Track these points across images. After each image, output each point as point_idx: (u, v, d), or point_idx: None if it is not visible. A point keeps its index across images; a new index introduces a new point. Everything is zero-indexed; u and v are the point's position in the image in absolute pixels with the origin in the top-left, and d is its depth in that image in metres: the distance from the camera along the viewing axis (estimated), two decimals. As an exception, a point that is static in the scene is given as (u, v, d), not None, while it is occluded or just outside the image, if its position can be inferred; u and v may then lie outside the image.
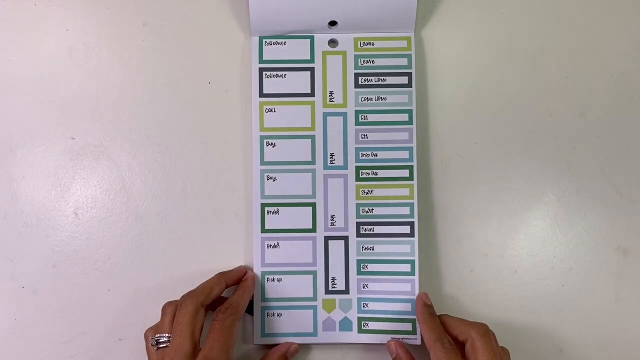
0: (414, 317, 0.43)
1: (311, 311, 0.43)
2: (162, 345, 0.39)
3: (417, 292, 0.43)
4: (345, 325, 0.43)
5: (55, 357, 0.44)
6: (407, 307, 0.43)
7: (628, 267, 0.46)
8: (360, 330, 0.43)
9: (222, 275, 0.42)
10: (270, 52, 0.45)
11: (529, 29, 0.47)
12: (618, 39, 0.47)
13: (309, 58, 0.45)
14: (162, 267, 0.45)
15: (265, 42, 0.45)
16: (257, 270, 0.44)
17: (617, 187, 0.46)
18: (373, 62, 0.45)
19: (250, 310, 0.43)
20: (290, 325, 0.43)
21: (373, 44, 0.45)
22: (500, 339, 0.40)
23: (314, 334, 0.43)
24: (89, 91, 0.46)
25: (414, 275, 0.43)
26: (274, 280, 0.44)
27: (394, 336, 0.43)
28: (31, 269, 0.45)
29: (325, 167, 0.44)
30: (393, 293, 0.43)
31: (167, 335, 0.39)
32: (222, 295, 0.42)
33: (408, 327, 0.43)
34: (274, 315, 0.43)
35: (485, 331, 0.39)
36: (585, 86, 0.47)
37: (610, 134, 0.46)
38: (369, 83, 0.45)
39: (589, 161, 0.46)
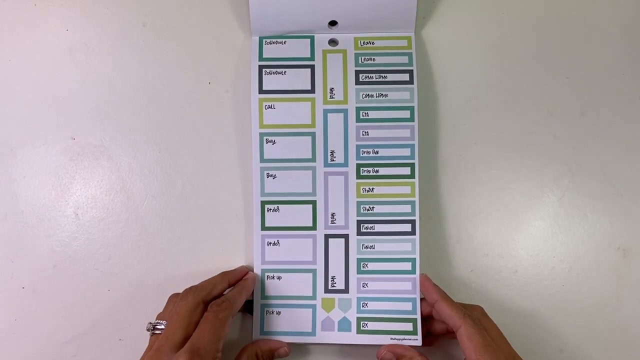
0: (415, 316, 0.43)
1: (310, 310, 0.43)
2: (157, 332, 0.39)
3: (418, 290, 0.43)
4: (344, 325, 0.43)
5: (55, 357, 0.44)
6: (408, 306, 0.43)
7: (628, 267, 0.46)
8: (359, 331, 0.43)
9: (225, 274, 0.42)
10: (270, 51, 0.45)
11: (529, 29, 0.47)
12: (618, 39, 0.47)
13: (309, 56, 0.45)
14: (162, 267, 0.45)
15: (265, 41, 0.45)
16: (257, 267, 0.44)
17: (617, 187, 0.46)
18: (373, 59, 0.45)
19: (250, 310, 0.43)
20: (289, 323, 0.43)
21: (373, 43, 0.45)
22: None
23: (313, 333, 0.43)
24: (89, 91, 0.46)
25: (415, 273, 0.43)
26: (273, 277, 0.43)
27: (393, 336, 0.43)
28: (31, 269, 0.45)
29: (326, 165, 0.44)
30: (393, 292, 0.43)
31: (165, 322, 0.39)
32: (223, 293, 0.42)
33: (408, 326, 0.43)
34: (273, 312, 0.43)
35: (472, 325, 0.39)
36: (585, 86, 0.47)
37: (610, 134, 0.46)
38: (369, 80, 0.45)
39: (589, 161, 0.46)
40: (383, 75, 0.45)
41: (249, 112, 0.45)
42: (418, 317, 0.43)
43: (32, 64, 0.46)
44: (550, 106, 0.47)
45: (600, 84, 0.47)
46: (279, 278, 0.43)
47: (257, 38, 0.45)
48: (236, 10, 0.47)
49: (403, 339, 0.43)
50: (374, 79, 0.45)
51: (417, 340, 0.42)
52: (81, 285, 0.45)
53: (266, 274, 0.44)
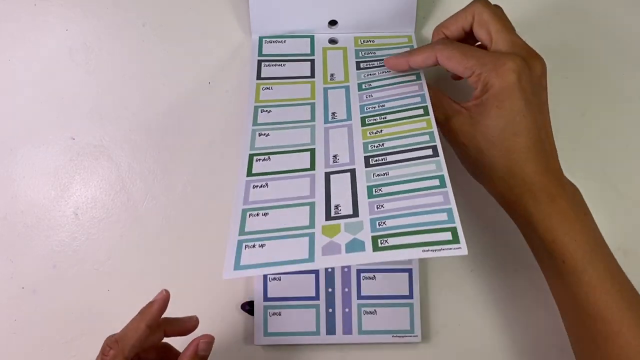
0: (454, 224, 0.33)
1: (306, 239, 0.34)
2: None
3: (452, 200, 0.34)
4: (355, 246, 0.33)
5: (55, 357, 0.44)
6: (442, 216, 0.34)
7: (628, 267, 0.45)
8: (377, 248, 0.33)
9: (142, 314, 0.35)
10: (270, 48, 0.45)
11: (528, 29, 0.47)
12: (618, 39, 0.47)
13: (308, 52, 0.45)
14: (162, 267, 0.45)
15: (265, 40, 0.45)
16: (238, 208, 0.36)
17: (617, 187, 0.46)
18: (374, 52, 0.44)
19: (251, 311, 0.43)
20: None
21: (373, 41, 0.45)
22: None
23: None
24: (89, 91, 0.46)
25: (445, 187, 0.35)
26: (257, 215, 0.35)
27: (426, 248, 0.33)
28: (31, 269, 0.45)
29: (326, 122, 0.40)
30: (419, 207, 0.35)
31: None
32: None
33: (446, 236, 0.33)
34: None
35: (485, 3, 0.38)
36: (585, 86, 0.47)
37: (610, 134, 0.46)
38: (371, 66, 0.44)
39: (589, 161, 0.46)
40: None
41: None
42: (457, 225, 0.33)
43: (32, 64, 0.46)
44: (550, 106, 0.46)
45: (600, 84, 0.47)
46: (265, 214, 0.35)
47: (257, 38, 0.45)
48: (236, 10, 0.47)
49: (441, 249, 0.33)
50: (375, 65, 0.44)
51: (461, 249, 0.32)
52: (81, 285, 0.45)
53: (248, 213, 0.35)
